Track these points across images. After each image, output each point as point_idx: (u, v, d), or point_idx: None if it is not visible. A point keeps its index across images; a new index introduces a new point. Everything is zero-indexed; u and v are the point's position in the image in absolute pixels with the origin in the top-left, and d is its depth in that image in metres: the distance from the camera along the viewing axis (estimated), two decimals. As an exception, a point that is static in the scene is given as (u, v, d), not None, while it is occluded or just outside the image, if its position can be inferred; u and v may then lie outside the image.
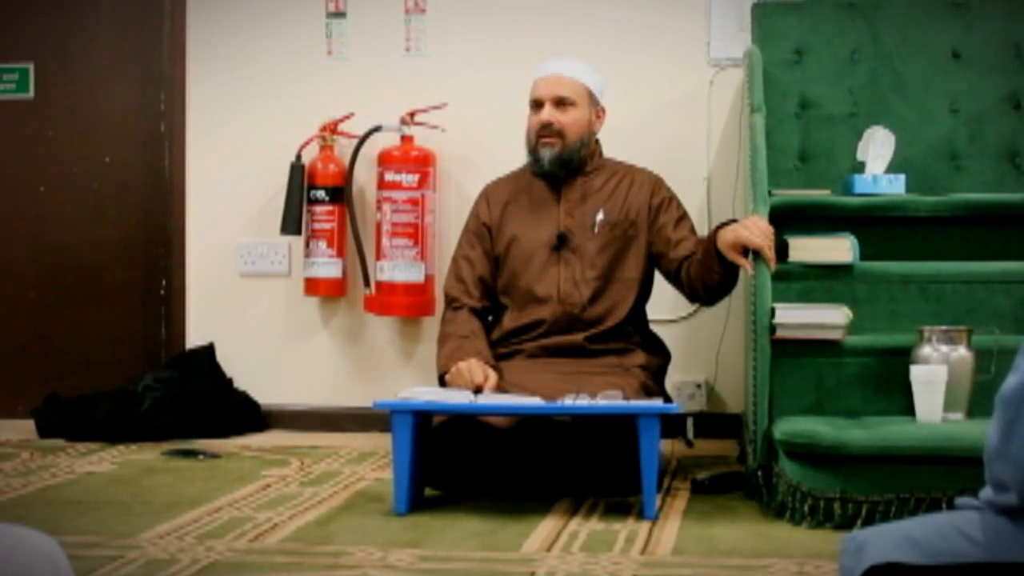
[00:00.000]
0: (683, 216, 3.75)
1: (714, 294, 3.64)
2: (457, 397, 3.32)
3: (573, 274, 3.67)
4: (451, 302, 3.76)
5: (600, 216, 3.72)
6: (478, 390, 3.38)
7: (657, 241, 3.70)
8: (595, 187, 3.76)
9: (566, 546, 2.91)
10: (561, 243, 3.70)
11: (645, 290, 3.76)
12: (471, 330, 3.65)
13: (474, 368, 3.45)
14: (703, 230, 4.42)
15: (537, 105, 3.73)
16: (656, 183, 3.79)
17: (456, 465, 3.42)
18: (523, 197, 3.80)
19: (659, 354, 3.77)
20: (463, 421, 3.38)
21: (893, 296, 3.57)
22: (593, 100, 3.76)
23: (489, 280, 3.77)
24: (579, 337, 3.64)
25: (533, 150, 3.73)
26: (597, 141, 3.82)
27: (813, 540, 2.96)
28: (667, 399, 3.61)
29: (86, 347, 4.88)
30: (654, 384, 3.62)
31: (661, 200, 3.74)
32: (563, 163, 3.71)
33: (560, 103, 3.70)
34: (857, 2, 4.28)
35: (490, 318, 3.80)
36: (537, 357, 3.63)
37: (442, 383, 3.55)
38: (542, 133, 3.70)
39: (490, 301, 3.78)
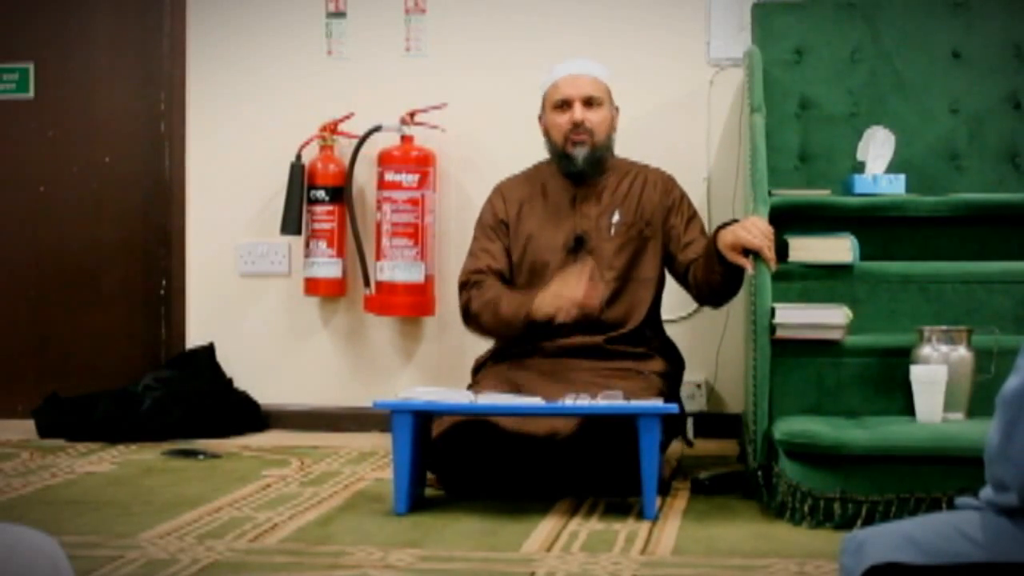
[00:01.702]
0: (693, 216, 3.76)
1: (719, 295, 3.64)
2: (457, 397, 3.31)
3: (591, 275, 3.66)
4: (471, 283, 3.70)
5: (616, 217, 3.72)
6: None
7: (668, 242, 3.71)
8: (610, 188, 3.76)
9: (566, 546, 2.91)
10: (578, 245, 3.70)
11: (660, 290, 3.77)
12: (502, 289, 3.64)
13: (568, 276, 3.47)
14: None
15: (564, 105, 3.71)
16: (668, 182, 3.80)
17: (462, 466, 3.42)
18: (537, 199, 3.78)
19: (675, 362, 3.78)
20: (471, 423, 3.37)
21: (893, 296, 3.57)
22: (611, 99, 3.78)
23: (506, 274, 3.74)
24: (599, 339, 3.64)
25: (562, 151, 3.72)
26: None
27: (813, 540, 2.96)
28: (682, 408, 3.62)
29: (86, 347, 4.88)
30: (670, 391, 3.62)
31: (673, 200, 3.75)
32: (595, 162, 3.72)
33: (588, 102, 3.71)
34: (857, 2, 4.28)
35: None
36: (555, 357, 3.61)
37: (530, 328, 3.54)
38: (574, 133, 3.69)
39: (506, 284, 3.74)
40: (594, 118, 3.70)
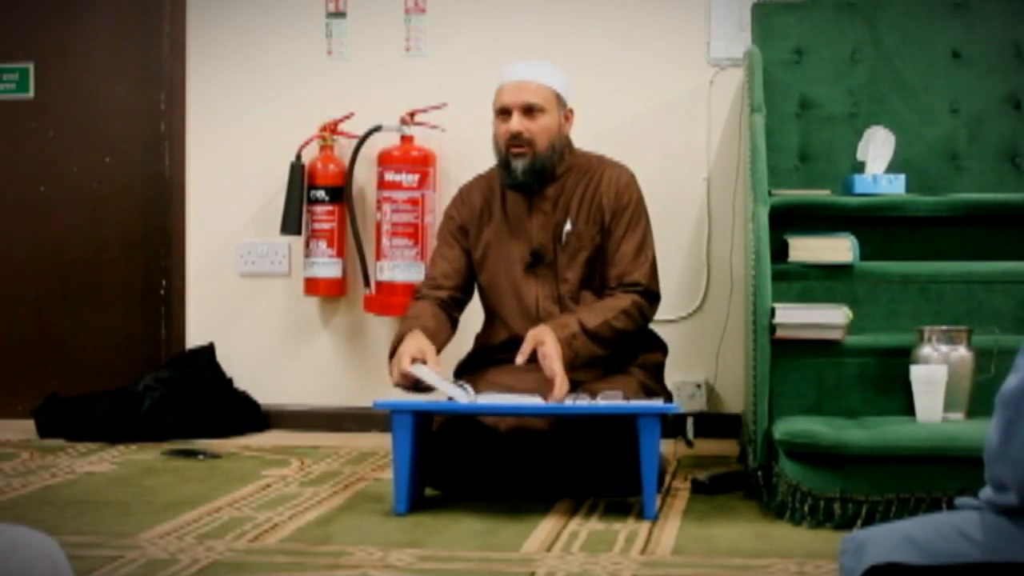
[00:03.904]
0: (632, 227, 3.57)
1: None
2: (459, 393, 3.30)
3: (551, 292, 3.57)
4: (418, 294, 3.66)
5: (568, 227, 3.58)
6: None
7: (603, 254, 3.58)
8: (565, 194, 3.61)
9: (566, 546, 2.91)
10: (536, 260, 3.58)
11: None
12: (419, 312, 3.54)
13: (407, 344, 3.34)
14: (703, 230, 4.44)
15: (504, 113, 3.59)
16: (622, 184, 3.62)
17: (456, 465, 3.42)
18: (496, 206, 3.67)
19: (656, 350, 3.72)
20: (463, 422, 3.37)
21: (893, 296, 3.58)
22: (561, 103, 3.61)
23: (466, 272, 3.66)
24: None
25: (504, 161, 3.60)
26: (567, 140, 3.67)
27: (813, 540, 2.96)
28: (668, 395, 3.59)
29: (86, 347, 4.88)
30: (654, 382, 3.58)
31: (621, 205, 3.59)
32: (536, 173, 3.57)
33: (528, 111, 3.56)
34: (857, 2, 4.28)
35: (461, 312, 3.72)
36: (534, 360, 3.57)
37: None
38: (512, 143, 3.55)
39: (464, 293, 3.67)
40: (534, 127, 3.55)
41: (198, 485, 3.63)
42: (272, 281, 4.77)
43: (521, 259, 3.60)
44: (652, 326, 3.76)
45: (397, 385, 3.38)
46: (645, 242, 3.58)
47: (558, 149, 3.60)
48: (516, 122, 3.55)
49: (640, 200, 3.63)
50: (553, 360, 3.28)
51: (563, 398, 3.26)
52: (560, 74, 3.65)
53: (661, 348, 3.72)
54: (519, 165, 3.56)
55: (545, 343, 3.30)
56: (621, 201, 3.59)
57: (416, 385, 3.31)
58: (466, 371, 3.68)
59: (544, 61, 3.74)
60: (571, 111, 3.66)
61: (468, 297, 3.71)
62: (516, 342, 3.48)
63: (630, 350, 3.59)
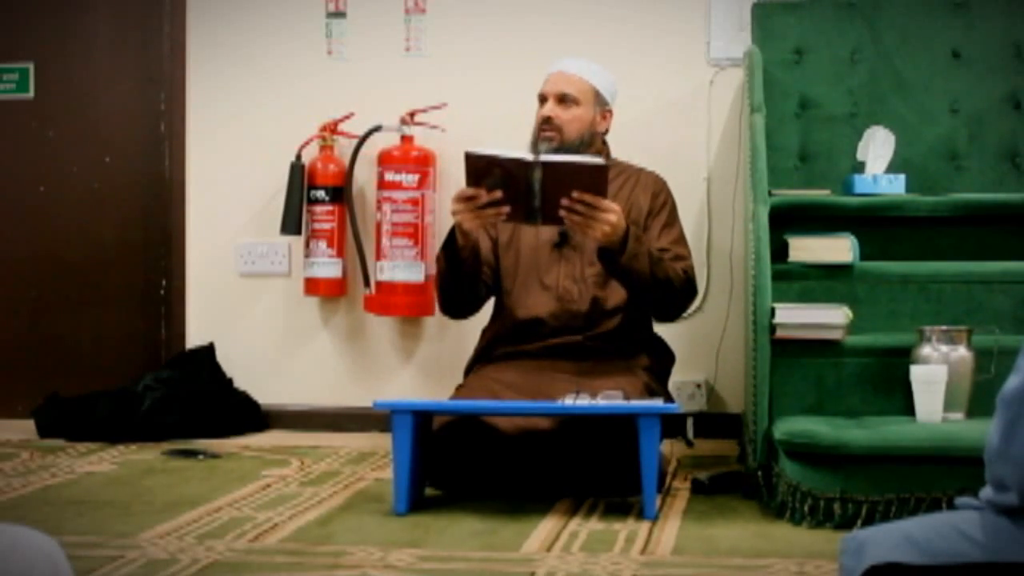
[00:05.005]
0: (669, 223, 3.72)
1: (652, 308, 3.63)
2: (523, 153, 3.26)
3: (573, 272, 3.66)
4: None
5: None
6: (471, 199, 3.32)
7: None
8: None
9: (566, 546, 2.91)
10: (563, 240, 3.68)
11: None
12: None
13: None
14: (703, 230, 4.44)
15: (542, 100, 3.75)
16: (658, 186, 3.78)
17: (459, 465, 3.42)
18: None
19: (663, 355, 3.77)
20: (467, 422, 3.37)
21: (893, 296, 3.58)
22: (599, 100, 3.75)
23: (491, 261, 3.72)
24: (580, 337, 3.62)
25: (534, 143, 3.74)
26: (605, 142, 3.82)
27: (813, 540, 2.96)
28: (669, 400, 3.60)
29: (86, 347, 4.88)
30: (658, 385, 3.62)
31: (656, 205, 3.73)
32: None
33: (563, 100, 3.71)
34: (857, 2, 4.28)
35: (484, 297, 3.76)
36: (540, 358, 3.61)
37: (453, 247, 3.51)
38: (542, 127, 3.71)
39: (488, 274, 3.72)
40: (564, 116, 3.70)
41: (198, 485, 3.63)
42: (272, 281, 4.77)
43: (550, 239, 3.69)
44: (657, 330, 3.80)
45: (458, 206, 3.35)
46: (682, 238, 3.74)
47: (587, 141, 3.73)
48: (548, 108, 3.72)
49: (675, 204, 3.78)
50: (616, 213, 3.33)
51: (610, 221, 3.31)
52: (606, 75, 3.81)
53: (668, 355, 3.78)
54: (543, 147, 3.69)
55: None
56: (658, 200, 3.74)
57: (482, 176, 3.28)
58: (472, 369, 3.71)
59: (592, 60, 3.87)
60: (610, 111, 3.80)
61: (488, 286, 3.73)
62: (528, 324, 3.57)
63: (637, 352, 3.63)
